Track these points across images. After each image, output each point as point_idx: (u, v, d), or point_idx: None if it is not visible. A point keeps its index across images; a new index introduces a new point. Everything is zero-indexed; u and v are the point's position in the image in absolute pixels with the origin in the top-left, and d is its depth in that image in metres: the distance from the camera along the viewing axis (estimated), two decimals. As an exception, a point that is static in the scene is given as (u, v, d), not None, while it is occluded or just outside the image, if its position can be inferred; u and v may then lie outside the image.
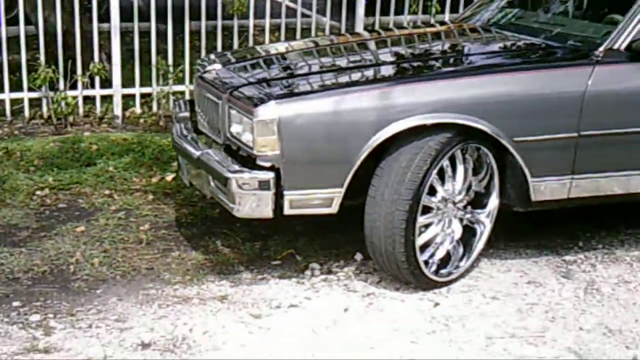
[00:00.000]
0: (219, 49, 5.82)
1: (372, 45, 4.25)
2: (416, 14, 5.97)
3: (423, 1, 6.02)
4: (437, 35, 4.30)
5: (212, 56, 4.15)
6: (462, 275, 3.57)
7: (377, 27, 5.96)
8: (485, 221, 3.60)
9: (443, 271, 3.49)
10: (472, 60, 3.81)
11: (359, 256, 3.74)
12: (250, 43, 5.97)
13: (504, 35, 4.06)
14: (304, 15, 6.23)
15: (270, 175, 3.20)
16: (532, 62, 3.58)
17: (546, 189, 3.51)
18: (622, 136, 3.52)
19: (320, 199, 3.29)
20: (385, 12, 6.11)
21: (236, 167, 3.26)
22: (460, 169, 3.45)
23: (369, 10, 6.08)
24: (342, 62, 3.85)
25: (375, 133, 3.22)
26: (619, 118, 3.49)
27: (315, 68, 3.84)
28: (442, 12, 6.04)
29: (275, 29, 6.56)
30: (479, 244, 3.60)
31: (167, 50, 5.70)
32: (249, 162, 3.27)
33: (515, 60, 3.68)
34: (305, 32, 6.38)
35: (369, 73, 3.62)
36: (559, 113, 3.41)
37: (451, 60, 3.81)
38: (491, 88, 3.38)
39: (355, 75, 3.56)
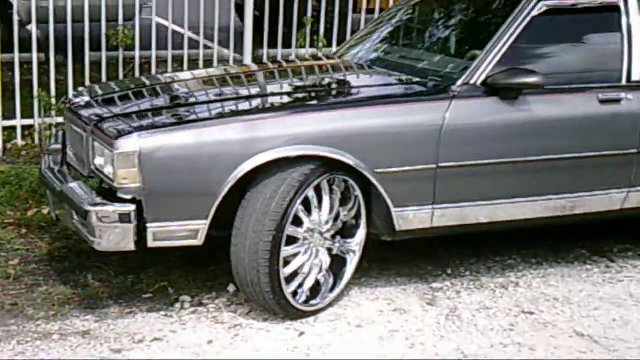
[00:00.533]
0: (104, 79, 5.79)
1: (246, 78, 4.31)
2: (304, 47, 6.08)
3: (310, 35, 6.14)
4: (309, 70, 4.40)
5: (82, 89, 4.14)
6: (331, 304, 3.62)
7: (264, 59, 6.05)
8: (355, 250, 3.68)
9: (313, 301, 3.54)
10: (336, 94, 3.91)
11: (231, 287, 3.75)
12: (137, 74, 5.97)
13: (371, 71, 4.19)
14: (206, 47, 6.29)
15: (131, 207, 3.19)
16: (393, 97, 3.71)
17: (409, 218, 3.62)
18: (481, 167, 3.67)
19: (185, 231, 3.30)
20: (276, 44, 6.20)
21: (97, 200, 3.25)
22: (326, 199, 3.52)
23: (262, 43, 6.17)
24: (213, 95, 3.89)
25: (238, 165, 3.26)
26: (476, 150, 3.64)
27: (186, 100, 3.87)
28: (330, 45, 6.17)
29: (178, 60, 6.58)
30: (348, 274, 3.68)
31: (50, 82, 5.64)
32: (110, 195, 3.26)
33: (378, 94, 3.80)
34: (208, 63, 6.42)
35: (235, 105, 3.67)
36: (418, 145, 3.54)
37: (317, 94, 3.91)
38: (353, 121, 3.48)
39: (221, 108, 3.61)
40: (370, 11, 6.61)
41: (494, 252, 4.33)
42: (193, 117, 3.52)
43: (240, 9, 6.58)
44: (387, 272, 4.06)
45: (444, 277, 4.03)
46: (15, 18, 5.78)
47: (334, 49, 6.12)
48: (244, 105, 3.66)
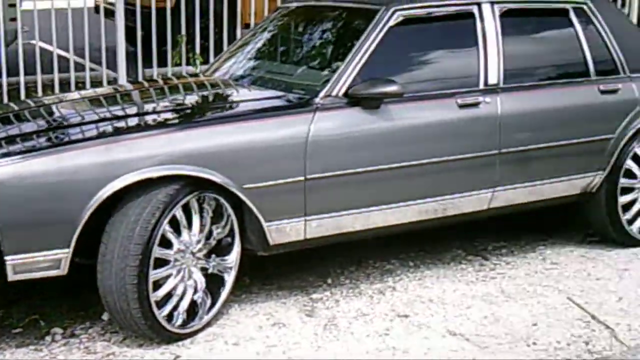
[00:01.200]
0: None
1: (114, 98, 4.24)
2: (180, 65, 6.05)
3: (186, 53, 6.11)
4: (175, 89, 4.37)
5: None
6: (209, 324, 3.59)
7: (139, 78, 5.99)
8: (231, 268, 3.66)
9: (190, 323, 3.50)
10: (200, 112, 3.90)
11: (105, 316, 3.66)
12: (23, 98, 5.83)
13: (237, 87, 4.20)
14: (92, 69, 6.22)
15: (-16, 240, 3.08)
16: (257, 112, 3.72)
17: (282, 231, 3.64)
18: (350, 176, 3.72)
19: (48, 261, 3.21)
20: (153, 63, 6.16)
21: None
22: (196, 219, 3.49)
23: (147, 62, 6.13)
24: (77, 118, 3.80)
25: (98, 190, 3.20)
26: (343, 160, 3.69)
27: (51, 124, 3.77)
28: (207, 62, 6.16)
29: (65, 83, 6.45)
30: (225, 292, 3.65)
31: None
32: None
33: (242, 110, 3.81)
34: (96, 85, 6.34)
35: (96, 128, 3.59)
36: (285, 159, 3.56)
37: (180, 113, 3.88)
38: (218, 138, 3.48)
39: (81, 132, 3.53)
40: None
41: (374, 258, 4.40)
42: (52, 142, 3.43)
43: (129, 31, 6.52)
44: (268, 286, 4.06)
45: (324, 287, 4.06)
46: None
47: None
48: (105, 128, 3.59)
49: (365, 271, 4.26)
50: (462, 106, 3.95)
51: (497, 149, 4.03)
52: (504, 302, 3.88)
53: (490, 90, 4.05)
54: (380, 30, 3.85)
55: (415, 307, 3.82)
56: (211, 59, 6.18)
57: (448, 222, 4.16)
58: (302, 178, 3.60)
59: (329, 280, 4.13)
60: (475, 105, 3.99)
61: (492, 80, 4.06)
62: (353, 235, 3.91)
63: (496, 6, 4.15)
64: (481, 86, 4.04)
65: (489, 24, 4.10)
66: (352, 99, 3.71)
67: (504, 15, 4.16)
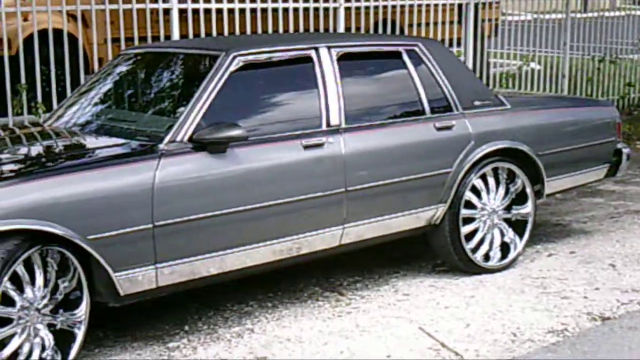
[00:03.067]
0: None
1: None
2: (21, 114, 5.84)
3: (27, 101, 5.91)
4: (16, 139, 4.22)
5: None
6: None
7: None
8: (82, 321, 3.53)
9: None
10: (39, 163, 3.78)
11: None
12: None
13: (79, 135, 4.12)
14: None
15: None
16: (99, 160, 3.66)
17: (132, 281, 3.57)
18: (199, 221, 3.71)
19: None
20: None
21: None
22: (39, 273, 3.37)
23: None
24: None
25: None
26: (191, 205, 3.68)
27: None
28: (50, 110, 5.97)
29: None
30: (76, 347, 3.52)
31: None
32: None
33: (83, 159, 3.73)
34: None
35: None
36: (131, 207, 3.52)
37: (20, 164, 3.74)
38: (59, 189, 3.39)
39: None
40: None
41: (232, 301, 4.38)
42: None
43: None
44: (123, 338, 3.95)
45: (180, 335, 4.00)
46: None
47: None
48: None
49: (224, 315, 4.24)
50: (307, 147, 4.05)
51: (344, 187, 4.15)
52: (359, 337, 3.97)
53: (333, 130, 4.17)
54: (222, 76, 3.91)
55: (274, 348, 3.83)
56: (54, 107, 6.01)
57: (302, 260, 4.23)
58: (150, 225, 3.56)
59: (186, 327, 4.08)
60: (320, 145, 4.09)
61: (334, 121, 4.19)
62: (208, 280, 3.90)
63: (333, 50, 4.31)
64: (324, 127, 4.16)
65: (328, 67, 4.24)
66: (198, 144, 3.73)
67: (342, 58, 4.32)
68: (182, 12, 6.62)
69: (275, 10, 6.93)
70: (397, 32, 7.94)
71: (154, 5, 6.47)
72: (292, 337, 3.96)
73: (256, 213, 3.88)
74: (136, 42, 6.31)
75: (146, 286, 3.63)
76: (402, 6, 7.78)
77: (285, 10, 6.98)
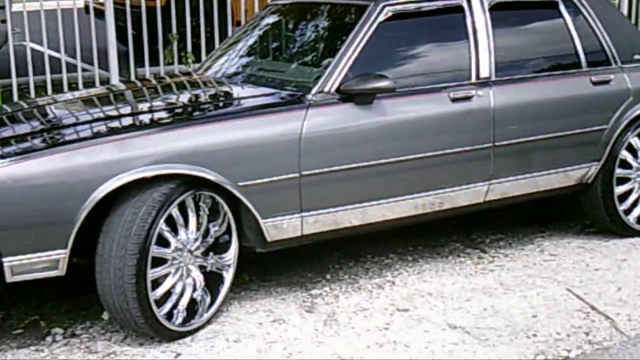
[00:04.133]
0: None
1: (106, 98, 4.24)
2: (172, 64, 6.05)
3: (178, 52, 6.11)
4: (167, 88, 4.37)
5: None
6: (209, 322, 3.59)
7: (132, 78, 5.98)
8: (230, 265, 3.66)
9: (191, 321, 3.50)
10: (192, 111, 3.89)
11: (105, 315, 3.66)
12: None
13: (229, 85, 4.19)
14: (84, 69, 6.22)
15: (-19, 241, 3.08)
16: (249, 109, 3.72)
17: (279, 228, 3.65)
18: (344, 172, 3.72)
19: (46, 262, 3.21)
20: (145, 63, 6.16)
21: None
22: (192, 217, 3.50)
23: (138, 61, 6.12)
24: (70, 119, 3.78)
25: (93, 191, 3.20)
26: (336, 156, 3.69)
27: (44, 126, 3.76)
28: (199, 60, 6.15)
29: (57, 84, 6.45)
30: (224, 289, 3.66)
31: None
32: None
33: (234, 108, 3.81)
34: (89, 86, 6.36)
35: (89, 129, 3.59)
36: (279, 156, 3.56)
37: (172, 112, 3.86)
38: (211, 136, 3.47)
39: (74, 132, 3.53)
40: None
41: (372, 253, 4.41)
42: (46, 143, 3.43)
43: (120, 31, 6.52)
44: (267, 283, 4.06)
45: (323, 283, 4.07)
46: None
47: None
48: (98, 128, 3.58)
49: (364, 266, 4.27)
50: (454, 100, 3.96)
51: (491, 142, 4.04)
52: (503, 295, 3.89)
53: (483, 83, 4.05)
54: (371, 26, 3.86)
55: (415, 301, 3.82)
56: (203, 57, 6.18)
57: (445, 215, 4.17)
58: (296, 175, 3.60)
59: (328, 276, 4.14)
60: (468, 98, 3.99)
61: (484, 73, 4.07)
62: (350, 231, 3.91)
63: (485, 0, 4.16)
64: (473, 79, 4.04)
65: (479, 17, 4.11)
66: (345, 95, 3.72)
67: (494, 8, 4.17)
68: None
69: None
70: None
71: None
72: (433, 291, 3.93)
73: (400, 166, 3.85)
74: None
75: (291, 234, 3.70)
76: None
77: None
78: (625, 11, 7.61)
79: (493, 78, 4.09)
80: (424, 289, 3.96)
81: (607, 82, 4.36)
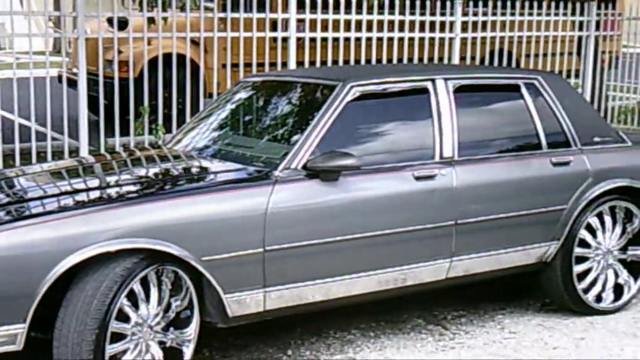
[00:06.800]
0: None
1: (75, 171, 4.25)
2: (142, 135, 6.10)
3: (149, 123, 6.17)
4: (136, 161, 4.41)
5: None
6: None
7: (102, 148, 6.01)
8: (190, 340, 3.63)
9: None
10: (159, 185, 3.91)
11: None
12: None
13: (197, 159, 4.24)
14: (54, 139, 6.24)
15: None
16: (216, 185, 3.76)
17: (241, 303, 3.65)
18: (309, 247, 3.76)
19: (3, 337, 3.18)
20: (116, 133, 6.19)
21: None
22: (154, 291, 3.49)
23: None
24: (34, 192, 3.80)
25: (55, 264, 3.20)
26: (302, 231, 3.73)
27: (9, 198, 3.75)
28: (170, 132, 6.21)
29: (26, 152, 6.45)
30: (184, 366, 3.62)
31: None
32: None
33: (201, 183, 3.85)
34: (58, 155, 6.37)
35: (56, 202, 3.60)
36: (243, 231, 3.59)
37: (138, 186, 3.88)
38: (176, 211, 3.50)
39: (40, 205, 3.54)
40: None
41: (335, 328, 4.40)
42: (10, 216, 3.43)
43: (92, 100, 6.58)
44: (228, 358, 4.03)
45: (284, 359, 4.05)
46: None
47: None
48: (65, 201, 3.59)
49: (326, 342, 4.26)
50: (418, 178, 4.04)
51: (454, 220, 4.11)
52: (463, 373, 3.91)
53: (446, 162, 4.15)
54: (338, 105, 3.96)
55: (375, 379, 3.82)
56: (174, 129, 6.24)
57: (408, 291, 4.20)
58: (261, 250, 3.63)
59: (289, 352, 4.12)
60: (431, 177, 4.07)
61: (447, 153, 4.17)
62: (313, 306, 3.92)
63: (450, 82, 4.29)
64: (437, 159, 4.14)
65: (443, 98, 4.23)
66: (311, 172, 3.78)
67: (458, 90, 4.30)
68: (299, 40, 6.75)
69: (390, 39, 6.96)
70: (513, 62, 7.82)
71: (273, 34, 6.63)
72: (394, 369, 3.94)
73: (364, 242, 3.89)
74: (254, 68, 6.48)
75: (254, 309, 3.70)
76: (520, 37, 7.66)
77: (401, 39, 7.00)
78: (588, 96, 7.85)
79: (456, 158, 4.19)
80: (385, 366, 3.97)
81: (566, 163, 4.48)
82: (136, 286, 3.38)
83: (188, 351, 3.62)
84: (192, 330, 3.63)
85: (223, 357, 4.04)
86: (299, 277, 3.78)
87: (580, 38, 8.04)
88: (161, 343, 3.54)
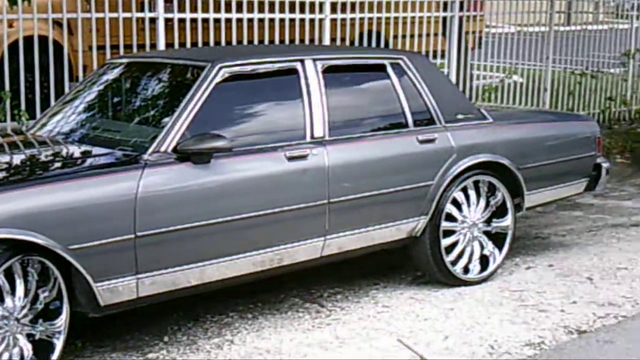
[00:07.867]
0: None
1: None
2: (4, 121, 5.82)
3: (11, 109, 5.90)
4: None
5: None
6: (37, 393, 3.44)
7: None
8: (61, 332, 3.53)
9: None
10: (23, 172, 3.77)
11: None
12: None
13: (64, 144, 4.11)
14: None
15: None
16: (82, 170, 3.66)
17: (113, 291, 3.57)
18: (182, 231, 3.72)
19: None
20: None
21: None
22: (19, 283, 3.37)
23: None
24: None
25: None
26: (174, 215, 3.69)
27: None
28: (34, 117, 5.95)
29: None
30: (54, 358, 3.51)
31: None
32: None
33: (67, 169, 3.73)
34: None
35: None
36: (113, 217, 3.52)
37: (1, 173, 3.70)
38: (40, 199, 3.39)
39: None
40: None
41: (212, 312, 4.39)
42: None
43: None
44: (102, 348, 3.95)
45: (160, 346, 4.00)
46: None
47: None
48: None
49: (203, 326, 4.24)
50: (290, 158, 4.07)
51: (327, 199, 4.18)
52: (338, 348, 3.98)
53: (317, 142, 4.20)
54: (207, 86, 3.93)
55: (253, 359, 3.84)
56: (38, 114, 5.98)
57: (283, 271, 4.25)
58: (132, 236, 3.56)
59: (166, 338, 4.07)
60: (303, 157, 4.12)
61: (318, 133, 4.22)
62: (188, 291, 3.90)
63: (318, 62, 4.34)
64: (308, 139, 4.18)
65: (313, 79, 4.27)
66: (182, 155, 3.74)
67: (326, 71, 4.35)
68: (168, 21, 6.62)
69: (261, 20, 6.95)
70: (382, 43, 7.98)
71: (141, 14, 6.47)
72: (271, 348, 3.97)
73: (238, 224, 3.89)
74: (121, 50, 6.30)
75: (127, 296, 3.63)
76: (387, 18, 7.82)
77: (271, 20, 7.00)
78: (453, 76, 8.12)
79: (327, 137, 4.25)
80: (262, 346, 3.99)
81: (432, 140, 4.63)
82: (0, 278, 3.25)
83: (59, 343, 3.52)
84: (62, 321, 3.53)
85: (97, 347, 3.94)
86: (172, 262, 3.74)
87: (445, 19, 8.29)
88: (30, 336, 3.43)
